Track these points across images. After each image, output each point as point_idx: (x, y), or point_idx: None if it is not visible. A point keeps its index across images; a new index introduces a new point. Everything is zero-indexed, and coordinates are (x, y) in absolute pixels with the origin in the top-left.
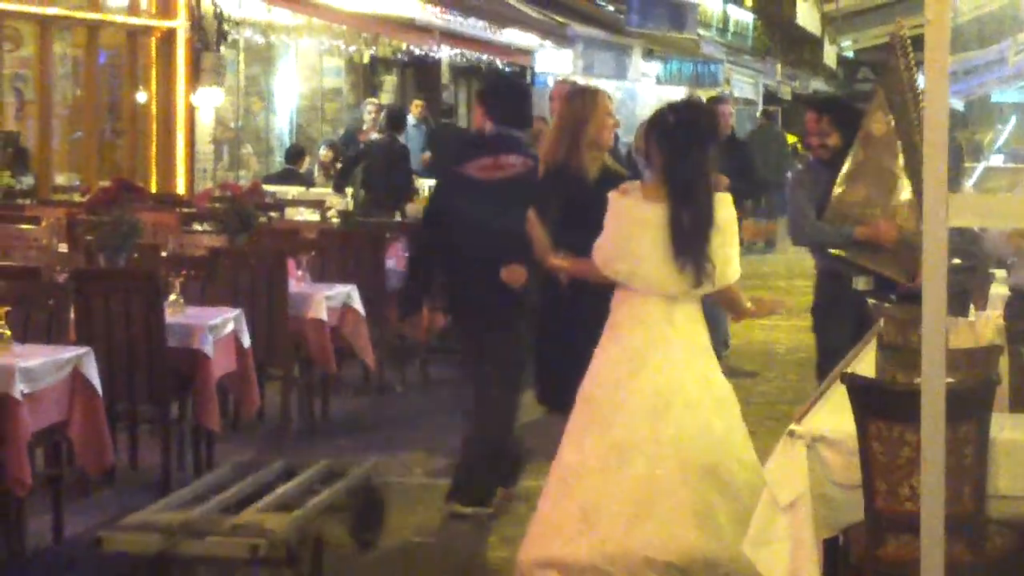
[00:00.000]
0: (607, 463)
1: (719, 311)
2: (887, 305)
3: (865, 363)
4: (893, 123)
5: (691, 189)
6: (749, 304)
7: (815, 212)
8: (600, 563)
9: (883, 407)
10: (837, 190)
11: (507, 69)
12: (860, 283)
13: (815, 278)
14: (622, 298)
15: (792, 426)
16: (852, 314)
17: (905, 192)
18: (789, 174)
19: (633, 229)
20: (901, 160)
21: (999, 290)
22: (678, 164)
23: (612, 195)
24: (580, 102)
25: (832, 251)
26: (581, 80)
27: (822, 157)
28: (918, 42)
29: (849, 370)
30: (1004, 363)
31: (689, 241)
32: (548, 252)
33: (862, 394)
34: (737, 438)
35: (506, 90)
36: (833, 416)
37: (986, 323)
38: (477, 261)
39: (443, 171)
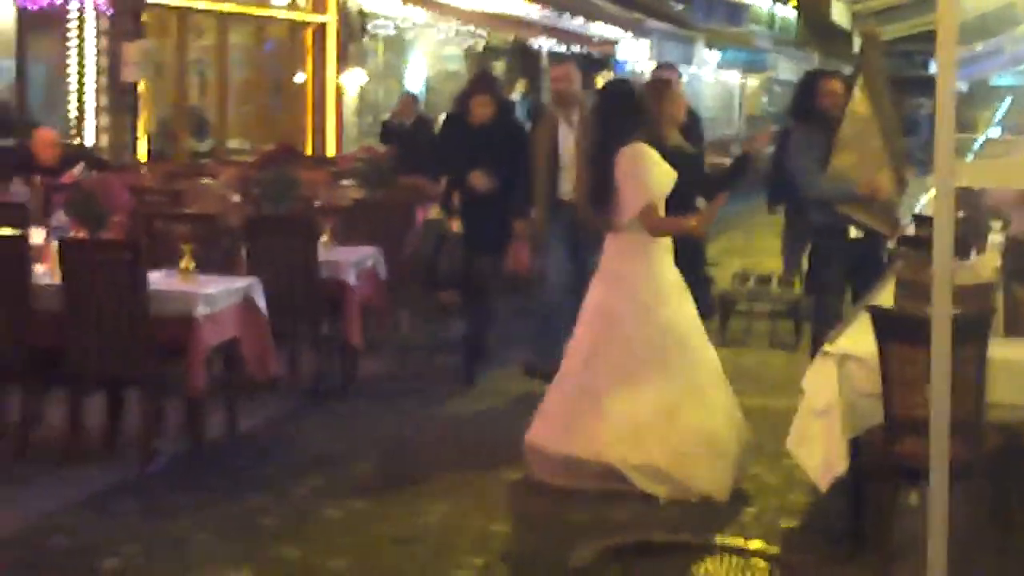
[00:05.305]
0: (575, 367)
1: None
2: (903, 249)
3: (884, 296)
4: (872, 107)
5: (593, 155)
6: (694, 222)
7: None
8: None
9: (900, 332)
10: (833, 159)
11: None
12: (852, 232)
13: (810, 233)
14: None
15: (825, 347)
16: (846, 258)
17: (885, 166)
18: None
19: None
20: (880, 139)
21: (995, 238)
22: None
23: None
24: (654, 85)
25: (840, 209)
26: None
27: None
28: (931, 37)
29: (872, 302)
30: (999, 297)
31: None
32: None
33: (883, 321)
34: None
35: None
36: (859, 339)
37: (984, 265)
38: None
39: None
